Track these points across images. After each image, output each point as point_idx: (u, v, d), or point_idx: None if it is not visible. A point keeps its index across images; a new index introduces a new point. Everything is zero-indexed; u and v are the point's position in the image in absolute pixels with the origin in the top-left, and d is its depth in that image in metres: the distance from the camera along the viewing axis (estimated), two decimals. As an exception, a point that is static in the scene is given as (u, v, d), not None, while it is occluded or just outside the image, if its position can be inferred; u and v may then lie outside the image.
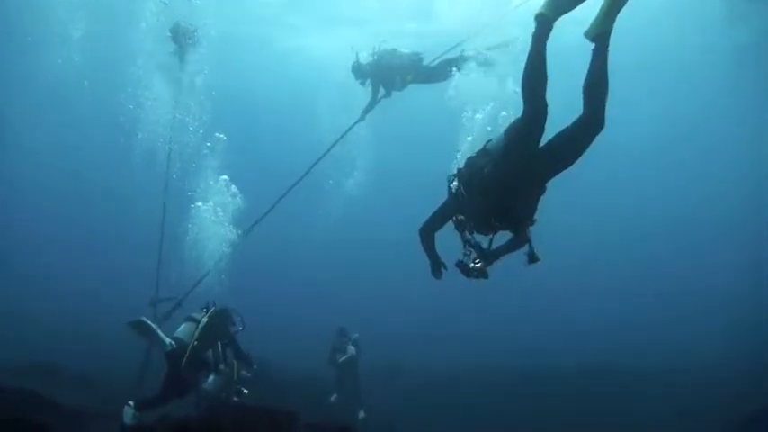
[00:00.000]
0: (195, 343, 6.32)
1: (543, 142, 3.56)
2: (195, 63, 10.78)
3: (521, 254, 4.00)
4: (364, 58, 8.92)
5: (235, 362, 6.91)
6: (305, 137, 13.68)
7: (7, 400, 6.23)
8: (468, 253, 4.05)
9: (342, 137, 9.74)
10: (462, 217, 4.01)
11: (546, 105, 3.43)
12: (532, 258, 3.90)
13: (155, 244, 10.04)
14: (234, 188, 10.64)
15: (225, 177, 10.90)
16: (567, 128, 3.45)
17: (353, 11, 19.10)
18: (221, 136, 11.43)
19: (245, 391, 6.89)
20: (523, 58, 3.42)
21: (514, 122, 3.70)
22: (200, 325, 6.51)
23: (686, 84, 21.76)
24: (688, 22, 17.77)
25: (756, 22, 16.17)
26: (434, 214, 4.24)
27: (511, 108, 4.32)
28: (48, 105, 22.79)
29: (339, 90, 10.54)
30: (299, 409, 5.28)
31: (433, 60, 8.64)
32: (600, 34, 3.29)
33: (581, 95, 3.39)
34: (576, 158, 3.53)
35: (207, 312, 6.72)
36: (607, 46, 3.29)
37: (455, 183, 4.04)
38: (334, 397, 10.51)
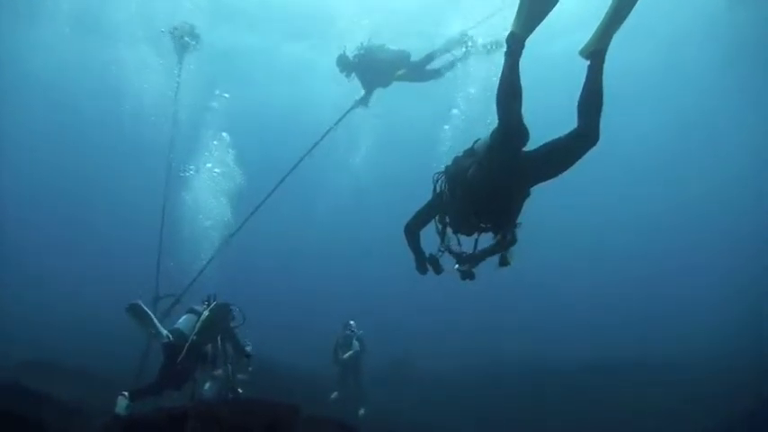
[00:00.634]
0: (194, 337, 6.30)
1: (534, 147, 3.58)
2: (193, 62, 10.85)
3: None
4: (351, 51, 8.86)
5: (230, 366, 6.92)
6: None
7: (5, 396, 6.18)
8: (443, 253, 4.11)
9: (335, 125, 9.68)
10: (446, 217, 4.05)
11: (520, 121, 3.46)
12: (503, 261, 3.89)
13: (153, 242, 10.02)
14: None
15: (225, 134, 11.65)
16: (560, 138, 3.46)
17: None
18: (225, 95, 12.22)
19: (241, 391, 6.88)
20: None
21: (494, 130, 3.68)
22: (202, 318, 6.50)
23: (684, 82, 21.70)
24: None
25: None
26: (419, 212, 4.27)
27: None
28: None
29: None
30: (299, 403, 5.18)
31: (422, 59, 8.60)
32: (595, 51, 3.34)
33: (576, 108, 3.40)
34: (564, 170, 3.55)
35: (208, 306, 6.69)
36: (602, 63, 3.34)
37: (440, 181, 4.07)
38: (334, 395, 10.45)
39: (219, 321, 6.67)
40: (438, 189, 4.09)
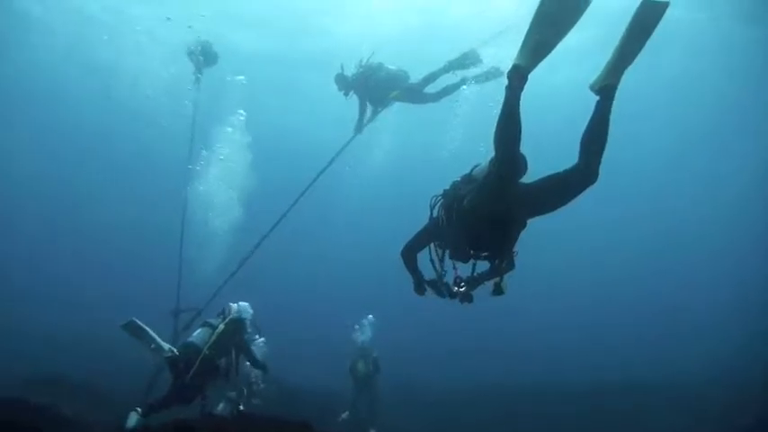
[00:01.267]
0: (207, 351, 6.19)
1: (532, 180, 3.54)
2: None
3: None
4: (350, 70, 8.80)
5: (244, 388, 6.96)
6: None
7: (12, 411, 6.11)
8: (442, 275, 4.02)
9: (338, 154, 9.46)
10: (441, 243, 4.01)
11: (517, 155, 3.36)
12: (497, 290, 3.78)
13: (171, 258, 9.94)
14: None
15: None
16: (559, 174, 3.39)
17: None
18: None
19: (255, 402, 6.74)
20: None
21: (490, 162, 3.61)
22: (216, 331, 6.41)
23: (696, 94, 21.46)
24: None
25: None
26: (415, 237, 4.21)
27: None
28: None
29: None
30: (311, 420, 5.00)
31: (420, 80, 8.49)
32: (605, 87, 3.24)
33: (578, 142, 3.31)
34: (562, 205, 3.48)
35: (224, 320, 6.61)
36: (612, 100, 3.23)
37: (437, 207, 4.02)
38: (345, 414, 10.26)
39: (233, 334, 6.58)
40: (435, 214, 4.03)
